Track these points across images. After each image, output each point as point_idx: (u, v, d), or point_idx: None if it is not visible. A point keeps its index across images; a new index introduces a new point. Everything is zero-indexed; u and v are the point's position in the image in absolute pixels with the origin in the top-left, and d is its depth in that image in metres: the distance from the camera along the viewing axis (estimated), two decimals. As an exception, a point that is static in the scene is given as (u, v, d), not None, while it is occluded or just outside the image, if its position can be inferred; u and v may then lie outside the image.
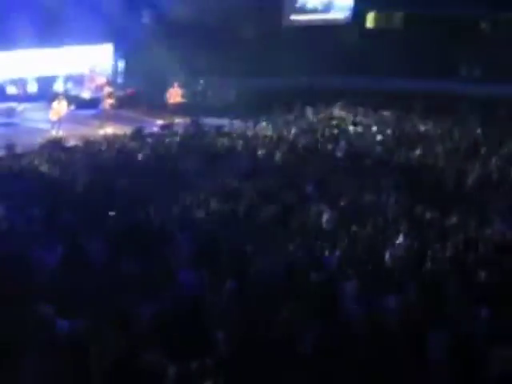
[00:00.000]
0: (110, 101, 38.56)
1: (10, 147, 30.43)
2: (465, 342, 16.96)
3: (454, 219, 24.82)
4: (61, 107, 35.89)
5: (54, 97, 37.28)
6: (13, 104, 37.12)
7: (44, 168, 28.35)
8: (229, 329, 16.58)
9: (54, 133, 34.34)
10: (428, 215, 25.19)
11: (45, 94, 39.20)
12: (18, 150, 30.68)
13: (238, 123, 36.33)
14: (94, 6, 39.27)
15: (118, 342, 15.87)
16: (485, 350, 16.58)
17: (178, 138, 33.70)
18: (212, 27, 42.35)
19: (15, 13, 37.58)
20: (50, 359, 15.32)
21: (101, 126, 36.13)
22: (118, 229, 22.90)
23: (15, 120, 35.90)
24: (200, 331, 16.86)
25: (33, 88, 39.80)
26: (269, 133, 34.40)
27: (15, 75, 39.72)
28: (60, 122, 35.39)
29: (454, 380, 16.09)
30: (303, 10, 43.39)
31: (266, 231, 23.17)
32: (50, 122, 35.53)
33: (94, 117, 37.85)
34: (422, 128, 36.61)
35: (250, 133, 34.50)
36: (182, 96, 39.84)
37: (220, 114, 37.80)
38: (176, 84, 39.94)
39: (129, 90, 40.67)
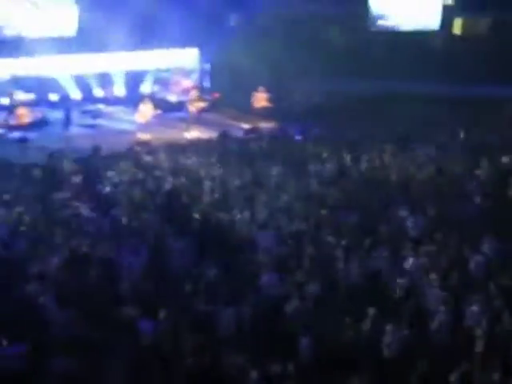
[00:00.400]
0: (195, 104, 38.77)
1: (96, 149, 30.57)
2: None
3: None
4: (147, 110, 36.19)
5: (141, 100, 37.62)
6: (100, 106, 37.40)
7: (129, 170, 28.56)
8: (312, 333, 16.47)
9: (140, 135, 34.50)
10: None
11: (131, 96, 39.42)
12: (104, 151, 30.83)
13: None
14: (181, 11, 39.58)
15: (200, 344, 16.06)
16: None
17: (263, 143, 33.54)
18: (299, 30, 42.36)
19: (108, 17, 38.11)
20: (134, 359, 15.46)
21: (186, 130, 36.21)
22: (202, 232, 22.84)
23: (102, 122, 36.11)
24: (282, 335, 16.87)
25: (120, 91, 39.97)
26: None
27: (105, 75, 40.07)
28: (146, 124, 35.68)
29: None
30: (390, 16, 43.10)
31: (350, 236, 22.81)
32: (136, 124, 35.85)
33: (180, 120, 37.95)
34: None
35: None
36: (268, 100, 39.88)
37: (305, 117, 37.62)
38: (261, 88, 40.01)
39: (214, 94, 40.68)
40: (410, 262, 20.52)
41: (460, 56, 44.34)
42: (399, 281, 19.47)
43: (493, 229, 23.06)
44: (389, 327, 16.51)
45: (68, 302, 17.58)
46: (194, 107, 38.67)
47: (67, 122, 34.79)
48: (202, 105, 39.09)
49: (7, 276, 19.08)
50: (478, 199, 26.40)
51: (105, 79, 40.19)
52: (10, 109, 33.99)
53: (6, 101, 34.59)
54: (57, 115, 36.51)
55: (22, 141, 32.16)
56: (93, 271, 19.47)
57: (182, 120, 37.80)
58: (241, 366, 15.01)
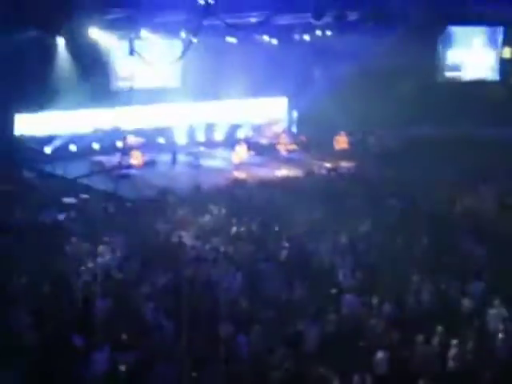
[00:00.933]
0: (285, 146, 39.03)
1: (197, 186, 31.00)
2: None
3: None
4: (242, 152, 36.47)
5: (237, 143, 37.95)
6: (201, 148, 37.77)
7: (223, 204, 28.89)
8: (387, 349, 16.36)
9: (236, 174, 34.73)
10: None
11: (228, 140, 39.82)
12: (205, 187, 31.17)
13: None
14: (272, 66, 39.94)
15: (290, 357, 16.09)
16: None
17: (344, 181, 33.60)
18: (375, 82, 42.36)
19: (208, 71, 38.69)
20: (230, 371, 15.12)
21: (277, 169, 36.36)
22: (290, 259, 22.89)
23: (203, 162, 36.44)
24: (361, 350, 16.86)
25: (219, 136, 40.36)
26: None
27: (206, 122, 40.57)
28: (241, 164, 35.96)
29: None
30: (456, 68, 42.94)
31: (421, 262, 22.61)
32: (232, 164, 36.12)
33: (271, 160, 38.09)
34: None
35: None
36: (348, 143, 40.02)
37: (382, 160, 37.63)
38: (342, 132, 40.16)
39: (301, 137, 40.92)
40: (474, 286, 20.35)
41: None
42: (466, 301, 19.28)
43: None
44: (454, 342, 16.30)
45: (174, 315, 17.73)
46: (283, 149, 38.91)
47: (174, 162, 35.16)
48: (290, 147, 39.33)
49: (123, 294, 19.33)
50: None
51: (207, 126, 40.57)
52: (124, 151, 34.34)
53: (120, 144, 34.93)
54: (163, 157, 37.03)
55: (125, 177, 33.00)
56: (195, 292, 19.61)
57: (273, 160, 37.96)
58: (325, 376, 15.07)
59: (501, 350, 17.03)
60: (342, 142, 40.07)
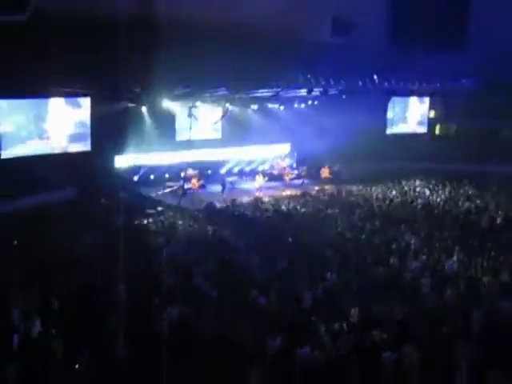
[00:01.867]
0: (288, 176, 39.31)
1: (233, 200, 31.87)
2: None
3: None
4: (260, 179, 36.84)
5: (256, 173, 38.37)
6: (235, 177, 38.12)
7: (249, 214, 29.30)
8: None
9: (257, 194, 35.18)
10: None
11: (252, 172, 39.95)
12: (238, 203, 31.80)
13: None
14: (280, 123, 40.48)
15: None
16: None
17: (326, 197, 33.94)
18: (347, 134, 42.70)
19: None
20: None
21: (283, 191, 36.70)
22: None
23: (237, 185, 37.18)
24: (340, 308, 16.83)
25: (246, 169, 40.60)
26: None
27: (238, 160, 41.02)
28: (260, 188, 36.41)
29: None
30: (397, 124, 43.01)
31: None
32: (254, 188, 36.60)
33: (279, 185, 38.39)
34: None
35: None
36: (330, 173, 40.29)
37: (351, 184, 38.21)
38: (327, 166, 40.47)
39: (299, 170, 41.05)
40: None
41: (440, 147, 44.47)
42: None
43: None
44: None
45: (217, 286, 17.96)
46: (287, 177, 39.15)
47: (223, 187, 35.64)
48: (291, 176, 39.52)
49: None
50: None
51: (238, 163, 40.69)
52: (185, 179, 34.76)
53: (182, 174, 35.20)
54: (212, 182, 37.56)
55: (184, 193, 33.24)
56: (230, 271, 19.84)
57: (281, 185, 38.23)
58: (315, 322, 15.25)
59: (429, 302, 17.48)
60: (326, 172, 40.26)
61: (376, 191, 35.31)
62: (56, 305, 15.50)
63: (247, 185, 38.05)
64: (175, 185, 35.55)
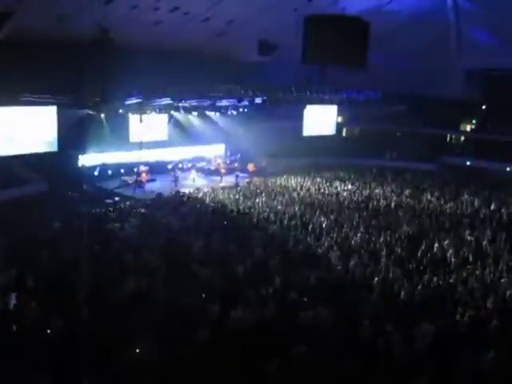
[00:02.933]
0: (223, 170, 39.35)
1: (177, 191, 31.48)
2: None
3: None
4: (194, 174, 37.24)
5: (194, 169, 38.49)
6: (178, 172, 37.81)
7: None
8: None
9: (195, 185, 35.12)
10: None
11: (192, 168, 39.74)
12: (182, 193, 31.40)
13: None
14: (216, 128, 40.52)
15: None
16: None
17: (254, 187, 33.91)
18: (270, 135, 42.93)
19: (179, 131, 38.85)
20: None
21: (220, 182, 36.73)
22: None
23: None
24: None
25: (186, 165, 40.35)
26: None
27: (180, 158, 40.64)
28: (194, 180, 36.68)
29: None
30: (312, 128, 43.33)
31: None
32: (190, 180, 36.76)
33: (217, 178, 38.34)
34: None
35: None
36: (255, 167, 40.51)
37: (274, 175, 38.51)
38: (253, 161, 40.71)
39: (232, 165, 41.04)
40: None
41: (346, 145, 45.09)
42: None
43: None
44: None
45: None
46: (222, 171, 39.16)
47: (176, 179, 35.52)
48: (225, 170, 39.55)
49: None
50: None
51: (180, 160, 40.46)
52: (138, 174, 34.58)
53: (135, 169, 35.04)
54: (159, 177, 37.29)
55: (138, 186, 33.53)
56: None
57: (217, 178, 38.22)
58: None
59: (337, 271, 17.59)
60: (252, 166, 40.49)
61: (295, 182, 35.55)
62: (30, 281, 15.22)
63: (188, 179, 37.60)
64: (130, 179, 35.31)
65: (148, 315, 12.87)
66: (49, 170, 30.58)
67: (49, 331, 12.30)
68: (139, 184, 34.24)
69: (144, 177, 35.60)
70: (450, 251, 19.88)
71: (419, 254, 19.77)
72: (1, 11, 24.65)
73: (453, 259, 19.28)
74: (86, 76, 29.86)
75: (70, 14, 25.91)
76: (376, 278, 16.71)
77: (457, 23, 35.89)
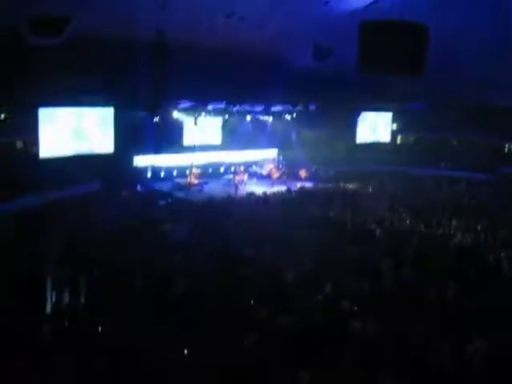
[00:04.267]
0: (275, 175, 39.40)
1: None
2: None
3: None
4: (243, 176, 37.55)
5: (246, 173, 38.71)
6: (231, 175, 38.00)
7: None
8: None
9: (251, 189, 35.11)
10: None
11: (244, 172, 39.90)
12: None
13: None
14: (269, 132, 40.49)
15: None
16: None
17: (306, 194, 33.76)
18: (323, 142, 42.76)
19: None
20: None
21: (271, 187, 36.64)
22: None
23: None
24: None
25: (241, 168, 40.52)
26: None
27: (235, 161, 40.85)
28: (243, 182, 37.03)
29: None
30: (366, 135, 43.12)
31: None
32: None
33: (268, 182, 38.40)
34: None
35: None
36: (307, 173, 40.35)
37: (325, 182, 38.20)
38: (305, 167, 40.53)
39: (284, 170, 41.05)
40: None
41: (401, 152, 44.53)
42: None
43: None
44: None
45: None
46: (274, 176, 39.23)
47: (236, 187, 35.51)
48: (277, 176, 39.57)
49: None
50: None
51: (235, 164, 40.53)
52: (190, 176, 35.03)
53: (188, 172, 35.41)
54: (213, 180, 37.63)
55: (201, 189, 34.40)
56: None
57: (269, 182, 38.27)
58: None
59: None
60: (304, 172, 40.37)
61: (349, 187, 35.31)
62: (83, 280, 15.49)
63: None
64: (182, 181, 35.72)
65: (199, 316, 12.92)
66: (104, 171, 31.10)
67: (100, 329, 12.45)
68: (194, 186, 34.56)
69: (197, 179, 35.93)
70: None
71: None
72: (63, 15, 25.24)
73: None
74: (142, 78, 30.28)
75: (129, 17, 26.31)
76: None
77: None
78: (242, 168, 40.19)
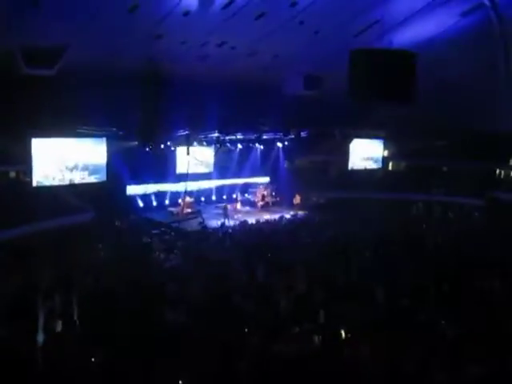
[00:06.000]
0: (268, 202, 39.37)
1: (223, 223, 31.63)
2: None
3: None
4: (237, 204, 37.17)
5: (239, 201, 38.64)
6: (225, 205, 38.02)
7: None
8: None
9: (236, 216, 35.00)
10: None
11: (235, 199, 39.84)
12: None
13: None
14: (261, 160, 40.46)
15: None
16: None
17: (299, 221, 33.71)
18: (314, 169, 42.88)
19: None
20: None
21: (261, 215, 36.53)
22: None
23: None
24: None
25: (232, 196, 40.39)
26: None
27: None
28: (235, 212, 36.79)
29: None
30: (357, 161, 43.39)
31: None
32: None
33: (262, 210, 38.36)
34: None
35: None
36: (300, 200, 40.27)
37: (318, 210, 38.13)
38: (298, 194, 40.44)
39: (277, 197, 40.96)
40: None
41: (392, 180, 44.62)
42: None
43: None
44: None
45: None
46: (265, 204, 39.14)
47: (225, 216, 34.95)
48: (271, 202, 39.55)
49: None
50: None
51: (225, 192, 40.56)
52: (182, 204, 35.02)
53: (180, 201, 35.42)
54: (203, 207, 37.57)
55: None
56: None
57: (262, 210, 38.22)
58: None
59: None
60: (298, 199, 40.29)
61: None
62: (75, 309, 15.35)
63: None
64: (174, 210, 35.64)
65: (188, 347, 12.75)
66: (97, 200, 30.98)
67: (92, 360, 12.29)
68: (187, 214, 34.62)
69: (190, 208, 35.89)
70: None
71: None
72: (56, 46, 25.41)
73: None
74: (134, 108, 30.42)
75: (120, 49, 26.52)
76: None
77: (505, 49, 34.78)
78: (234, 196, 40.21)
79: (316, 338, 14.05)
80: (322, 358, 12.90)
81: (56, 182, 29.95)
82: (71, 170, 30.85)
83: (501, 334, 14.80)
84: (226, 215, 34.93)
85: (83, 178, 31.31)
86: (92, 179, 31.60)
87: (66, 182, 30.54)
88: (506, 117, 37.88)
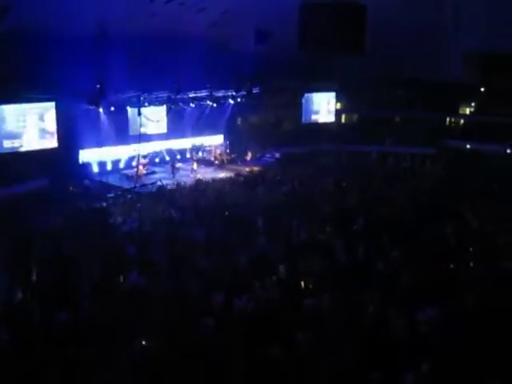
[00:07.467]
0: (223, 160, 39.35)
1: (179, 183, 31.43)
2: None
3: None
4: (195, 165, 37.23)
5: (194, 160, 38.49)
6: (179, 164, 37.86)
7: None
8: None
9: (197, 176, 34.99)
10: None
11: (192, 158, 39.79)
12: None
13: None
14: (215, 117, 40.27)
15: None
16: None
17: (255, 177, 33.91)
18: (269, 124, 42.85)
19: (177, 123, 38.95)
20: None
21: (218, 173, 36.58)
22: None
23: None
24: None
25: (188, 155, 40.39)
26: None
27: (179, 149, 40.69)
28: (195, 171, 36.65)
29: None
30: (310, 115, 43.61)
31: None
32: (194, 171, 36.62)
33: (217, 168, 38.40)
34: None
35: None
36: (252, 156, 40.39)
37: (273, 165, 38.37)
38: (249, 150, 40.54)
39: (232, 155, 40.95)
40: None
41: (344, 132, 45.00)
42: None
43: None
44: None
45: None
46: (221, 162, 39.15)
47: (173, 171, 35.41)
48: (224, 161, 39.52)
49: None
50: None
51: (180, 152, 40.41)
52: (137, 167, 34.68)
53: (134, 163, 35.15)
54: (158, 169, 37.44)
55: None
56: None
57: (217, 168, 38.27)
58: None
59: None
60: (248, 155, 40.42)
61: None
62: (34, 276, 15.24)
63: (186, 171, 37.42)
64: (129, 172, 35.34)
65: (152, 307, 12.83)
66: (49, 166, 30.48)
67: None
68: (142, 176, 34.43)
69: (144, 169, 35.65)
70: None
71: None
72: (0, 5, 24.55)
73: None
74: (83, 70, 29.72)
75: (67, 9, 25.79)
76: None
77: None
78: (188, 155, 40.06)
79: (276, 292, 14.23)
80: (282, 310, 13.08)
81: (6, 150, 29.34)
82: (21, 137, 30.21)
83: (454, 276, 15.41)
84: (173, 173, 35.10)
85: (34, 145, 30.69)
86: (43, 145, 30.99)
87: (17, 150, 29.92)
88: (453, 65, 38.53)
